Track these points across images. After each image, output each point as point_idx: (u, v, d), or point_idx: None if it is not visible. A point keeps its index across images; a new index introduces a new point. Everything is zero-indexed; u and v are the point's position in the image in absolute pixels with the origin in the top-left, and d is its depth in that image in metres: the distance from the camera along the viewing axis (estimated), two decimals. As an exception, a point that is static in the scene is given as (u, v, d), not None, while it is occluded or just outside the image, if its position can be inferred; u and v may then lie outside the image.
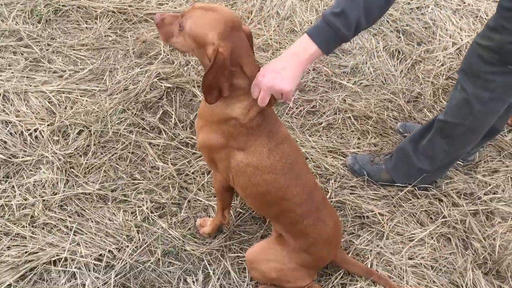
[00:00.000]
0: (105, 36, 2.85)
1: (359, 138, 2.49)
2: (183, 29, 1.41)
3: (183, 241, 1.96)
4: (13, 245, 1.87)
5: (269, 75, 1.40)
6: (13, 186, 2.07)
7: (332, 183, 2.23)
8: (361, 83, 2.80)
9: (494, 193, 2.27)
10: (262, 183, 1.56)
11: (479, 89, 1.80)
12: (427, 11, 3.31)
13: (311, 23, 3.14)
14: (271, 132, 1.54)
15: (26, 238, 1.90)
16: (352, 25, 1.41)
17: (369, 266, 1.93)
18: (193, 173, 2.21)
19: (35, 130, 2.27)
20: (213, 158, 1.63)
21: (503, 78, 1.73)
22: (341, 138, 2.49)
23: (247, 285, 1.86)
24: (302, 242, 1.67)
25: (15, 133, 2.25)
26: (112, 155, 2.25)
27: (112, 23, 2.93)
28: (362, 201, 2.17)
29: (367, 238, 2.04)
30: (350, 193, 2.20)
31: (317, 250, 1.70)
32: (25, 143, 2.23)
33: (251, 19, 3.10)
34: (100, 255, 1.88)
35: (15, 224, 1.93)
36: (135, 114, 2.41)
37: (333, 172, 2.28)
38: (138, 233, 1.96)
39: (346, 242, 2.03)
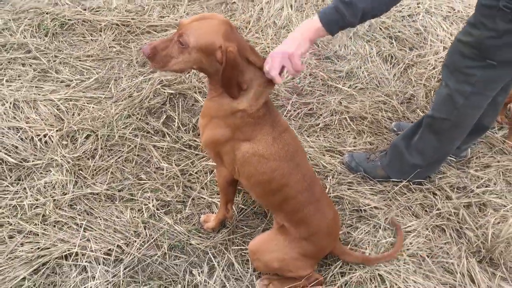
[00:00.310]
0: (109, 47, 2.97)
1: (355, 138, 2.59)
2: (188, 45, 1.48)
3: (188, 236, 2.05)
4: (26, 242, 1.96)
5: (278, 46, 1.57)
6: (24, 188, 2.16)
7: (330, 179, 2.32)
8: (356, 87, 2.91)
9: (486, 186, 2.35)
10: (268, 170, 1.66)
11: (461, 84, 1.91)
12: (418, 18, 3.44)
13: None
14: (274, 122, 1.65)
15: (38, 235, 1.98)
16: (358, 15, 1.55)
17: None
18: (196, 172, 2.31)
19: (45, 136, 2.37)
20: (219, 152, 1.72)
21: (482, 72, 1.83)
22: (337, 138, 2.59)
23: (250, 276, 1.94)
24: (303, 231, 1.76)
25: (26, 138, 2.35)
26: (119, 158, 2.35)
27: (116, 35, 3.06)
28: (359, 196, 2.26)
29: (364, 230, 2.12)
30: (348, 189, 2.29)
31: (318, 240, 1.79)
32: (35, 147, 2.33)
33: (249, 29, 3.23)
34: (109, 249, 1.96)
35: (27, 222, 2.02)
36: (140, 119, 2.52)
37: (331, 170, 2.38)
38: (145, 229, 2.05)
39: (345, 234, 2.11)
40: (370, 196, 2.27)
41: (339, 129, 2.64)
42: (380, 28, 3.35)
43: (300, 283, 1.84)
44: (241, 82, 1.55)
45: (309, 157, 2.42)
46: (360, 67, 3.04)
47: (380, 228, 2.13)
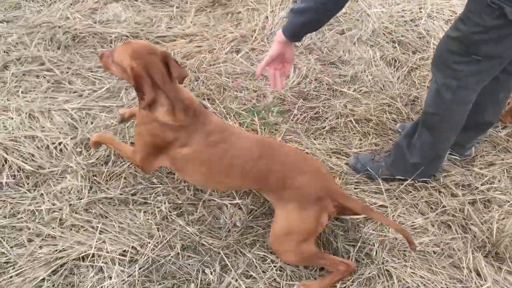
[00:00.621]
0: (120, 58, 3.06)
1: (360, 139, 2.65)
2: (114, 59, 1.90)
3: (200, 237, 2.11)
4: (45, 245, 2.03)
5: None
6: (41, 194, 2.24)
7: (337, 180, 2.38)
8: (360, 90, 2.98)
9: (491, 184, 2.40)
10: (208, 161, 1.91)
11: (448, 79, 1.98)
12: (420, 23, 3.51)
13: (311, 38, 3.35)
14: (203, 123, 1.90)
15: (56, 238, 2.06)
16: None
17: (374, 253, 2.06)
18: (206, 176, 2.38)
19: (60, 144, 2.45)
20: (155, 150, 1.96)
21: (468, 67, 1.91)
22: (343, 140, 2.65)
23: (262, 272, 1.99)
24: (282, 183, 1.86)
25: (42, 146, 2.43)
26: (131, 164, 2.42)
27: (126, 46, 3.15)
28: (366, 195, 2.32)
29: (372, 228, 2.18)
30: (355, 188, 2.35)
31: (303, 185, 1.85)
32: (51, 155, 2.41)
33: (255, 37, 3.32)
34: (124, 251, 2.03)
35: (45, 226, 2.10)
36: (151, 126, 2.59)
37: (337, 171, 2.44)
38: (158, 230, 2.11)
39: (355, 231, 2.16)
40: (377, 195, 2.33)
41: (345, 131, 2.70)
42: (383, 33, 3.42)
43: (335, 277, 1.91)
44: (150, 96, 1.78)
45: (316, 159, 2.48)
46: (364, 71, 3.11)
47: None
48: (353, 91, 2.95)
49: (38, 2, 3.54)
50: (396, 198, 2.32)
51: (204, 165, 1.92)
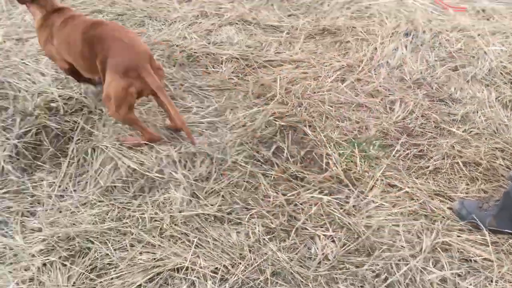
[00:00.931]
0: (228, 79, 3.20)
1: (467, 184, 2.50)
2: None
3: (290, 265, 2.11)
4: (144, 251, 2.15)
5: None
6: (146, 202, 2.38)
7: (438, 224, 2.26)
8: (471, 131, 2.81)
9: None
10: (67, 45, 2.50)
11: None
12: (545, 64, 3.26)
13: (421, 73, 3.25)
14: (62, 13, 2.52)
15: (155, 246, 2.17)
16: None
17: (475, 309, 1.92)
18: (301, 203, 2.38)
19: (167, 155, 2.59)
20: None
21: None
22: (448, 183, 2.52)
23: (349, 312, 1.94)
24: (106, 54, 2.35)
25: (152, 157, 2.59)
26: (230, 182, 2.49)
27: (235, 67, 3.29)
28: (470, 245, 2.17)
29: (473, 282, 2.03)
30: (457, 236, 2.21)
31: (113, 51, 2.30)
32: (159, 164, 2.56)
33: (362, 68, 3.29)
34: (216, 268, 2.08)
35: (147, 233, 2.22)
36: (251, 147, 2.66)
37: (439, 214, 2.31)
38: (249, 252, 2.14)
39: (454, 283, 2.02)
40: (482, 246, 2.17)
41: (451, 173, 2.57)
42: (501, 73, 3.22)
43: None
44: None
45: (416, 199, 2.38)
46: (477, 112, 2.94)
47: (492, 281, 2.02)
48: (462, 132, 2.80)
49: (160, 21, 3.82)
50: (504, 253, 2.14)
51: (68, 46, 2.46)
